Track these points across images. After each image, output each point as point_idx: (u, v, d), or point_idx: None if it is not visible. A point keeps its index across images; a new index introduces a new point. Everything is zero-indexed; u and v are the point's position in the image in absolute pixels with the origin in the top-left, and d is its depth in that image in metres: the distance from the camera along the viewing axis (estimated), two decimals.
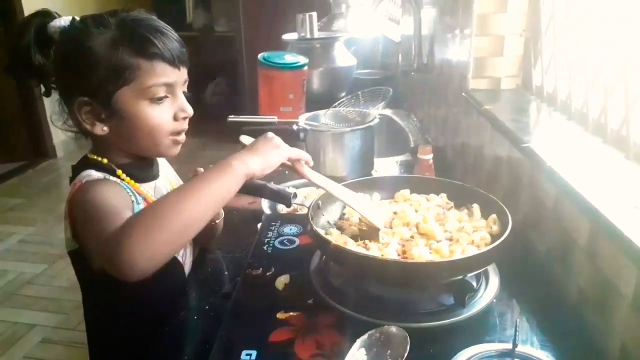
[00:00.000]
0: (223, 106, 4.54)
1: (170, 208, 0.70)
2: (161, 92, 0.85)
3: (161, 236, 0.68)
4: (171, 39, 0.85)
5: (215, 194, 0.73)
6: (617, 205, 0.68)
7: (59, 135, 4.13)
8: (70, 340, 2.15)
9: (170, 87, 0.86)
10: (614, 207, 0.67)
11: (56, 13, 0.89)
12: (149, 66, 0.83)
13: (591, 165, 0.83)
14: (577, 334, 0.74)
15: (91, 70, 0.81)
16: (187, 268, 1.03)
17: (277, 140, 0.83)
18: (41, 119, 3.98)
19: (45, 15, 0.88)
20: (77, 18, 0.86)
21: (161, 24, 0.87)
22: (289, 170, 0.87)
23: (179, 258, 0.98)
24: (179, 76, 0.87)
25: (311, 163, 0.89)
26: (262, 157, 0.79)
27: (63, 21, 0.87)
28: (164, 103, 0.86)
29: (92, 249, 0.77)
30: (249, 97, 3.98)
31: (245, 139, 0.89)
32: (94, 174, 0.86)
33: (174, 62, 0.85)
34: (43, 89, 0.91)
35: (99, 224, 0.74)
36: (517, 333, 0.64)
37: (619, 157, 0.83)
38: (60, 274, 2.59)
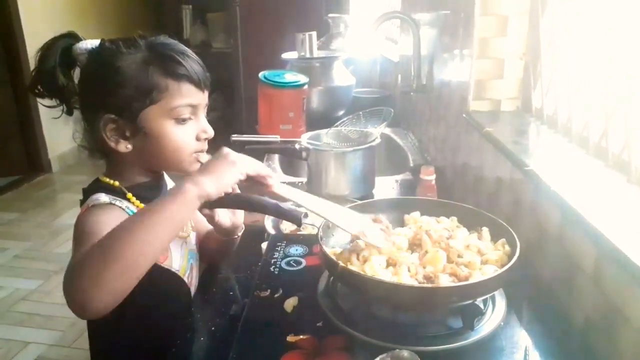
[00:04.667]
0: (220, 122, 4.54)
1: (118, 242, 0.69)
2: (186, 113, 0.88)
3: (108, 273, 0.67)
4: (196, 63, 0.89)
5: (166, 222, 0.72)
6: (623, 231, 0.69)
7: (55, 149, 4.12)
8: (66, 359, 2.12)
9: (194, 108, 0.89)
10: (620, 233, 0.68)
11: (82, 36, 0.92)
12: (177, 87, 0.86)
13: (594, 189, 0.85)
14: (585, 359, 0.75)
15: (120, 89, 0.84)
16: (193, 289, 1.03)
17: (233, 156, 0.80)
18: (37, 133, 3.97)
19: (71, 37, 0.91)
20: (106, 40, 0.89)
21: (187, 48, 0.91)
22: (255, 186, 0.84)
23: (185, 278, 0.99)
24: (203, 99, 0.91)
25: (272, 178, 0.85)
26: (215, 176, 0.77)
27: (89, 44, 0.90)
28: (187, 124, 0.90)
29: None
30: (246, 113, 4.00)
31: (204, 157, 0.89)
32: (102, 197, 0.87)
33: (199, 85, 0.88)
34: (65, 108, 0.93)
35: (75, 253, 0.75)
36: (527, 357, 0.65)
37: (621, 181, 0.85)
38: (56, 290, 2.57)
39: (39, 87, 0.91)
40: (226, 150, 0.82)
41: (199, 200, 0.75)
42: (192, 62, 0.88)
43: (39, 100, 0.93)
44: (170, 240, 0.76)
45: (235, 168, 0.79)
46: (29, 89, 0.91)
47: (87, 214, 0.85)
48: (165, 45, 0.88)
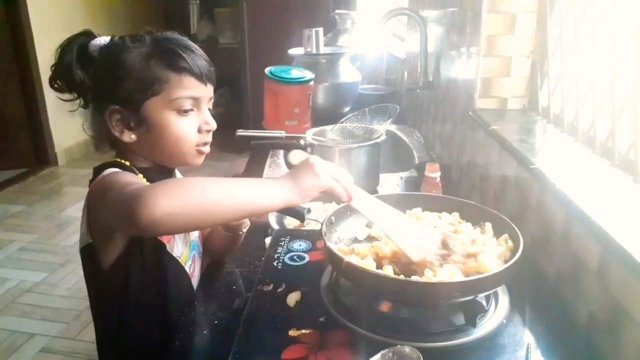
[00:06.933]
0: (226, 117, 4.55)
1: (204, 184, 0.72)
2: (187, 105, 0.90)
3: (182, 201, 0.68)
4: (200, 57, 0.92)
5: (250, 197, 0.75)
6: (628, 230, 0.69)
7: (62, 142, 4.14)
8: (70, 350, 2.14)
9: (196, 100, 0.92)
10: (625, 231, 0.68)
11: (97, 33, 0.95)
12: (177, 79, 0.89)
13: (599, 188, 0.84)
14: (588, 358, 0.74)
15: (124, 80, 0.88)
16: (195, 280, 1.04)
17: (318, 167, 0.78)
18: (44, 127, 3.99)
19: (87, 35, 0.94)
20: (116, 36, 0.93)
21: (192, 43, 0.93)
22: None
23: (186, 268, 1.00)
24: (205, 92, 0.93)
25: (350, 194, 0.81)
26: (301, 189, 0.77)
27: (103, 40, 0.93)
28: (189, 115, 0.92)
29: (107, 214, 0.80)
30: (252, 109, 4.01)
31: (295, 157, 0.88)
32: (115, 169, 0.90)
33: (201, 78, 0.91)
34: (82, 102, 0.96)
35: (116, 190, 0.77)
36: (529, 355, 0.65)
37: (627, 180, 0.84)
38: (61, 282, 2.59)
39: (58, 82, 0.94)
40: (313, 159, 0.80)
41: (285, 203, 0.76)
42: (195, 56, 0.90)
43: (57, 94, 0.96)
44: (239, 215, 0.80)
45: (319, 182, 0.78)
46: (49, 84, 0.95)
47: (105, 177, 0.86)
48: (168, 40, 0.91)
